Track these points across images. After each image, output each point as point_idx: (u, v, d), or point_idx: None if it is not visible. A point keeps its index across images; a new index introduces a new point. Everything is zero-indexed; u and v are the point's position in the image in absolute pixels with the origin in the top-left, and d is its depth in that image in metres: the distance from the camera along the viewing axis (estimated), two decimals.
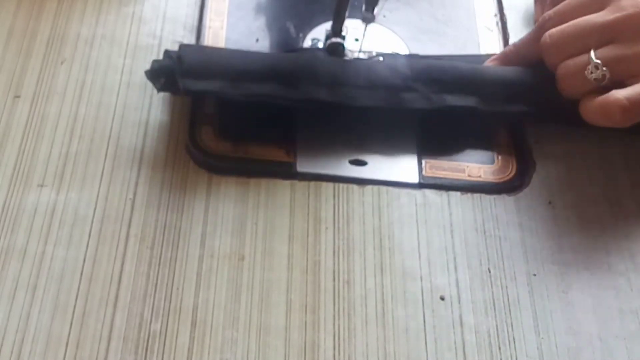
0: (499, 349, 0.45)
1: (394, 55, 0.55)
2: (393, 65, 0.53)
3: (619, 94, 0.47)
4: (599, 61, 0.48)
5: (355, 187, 0.50)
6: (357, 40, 0.56)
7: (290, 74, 0.51)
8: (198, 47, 0.54)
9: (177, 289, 0.45)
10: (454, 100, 0.51)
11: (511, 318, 0.46)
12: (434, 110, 0.51)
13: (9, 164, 0.48)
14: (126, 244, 0.46)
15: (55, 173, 0.48)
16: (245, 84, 0.50)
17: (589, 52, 0.49)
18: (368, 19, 0.54)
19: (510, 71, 0.53)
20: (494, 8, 0.61)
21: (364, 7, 0.54)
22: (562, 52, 0.50)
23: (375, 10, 0.54)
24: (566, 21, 0.51)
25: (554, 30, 0.51)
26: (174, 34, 0.56)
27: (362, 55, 0.55)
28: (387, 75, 0.52)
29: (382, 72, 0.52)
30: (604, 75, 0.48)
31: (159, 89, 0.50)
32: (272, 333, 0.44)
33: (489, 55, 0.56)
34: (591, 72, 0.48)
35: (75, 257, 0.45)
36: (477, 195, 0.51)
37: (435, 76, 0.52)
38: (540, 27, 0.53)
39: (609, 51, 0.48)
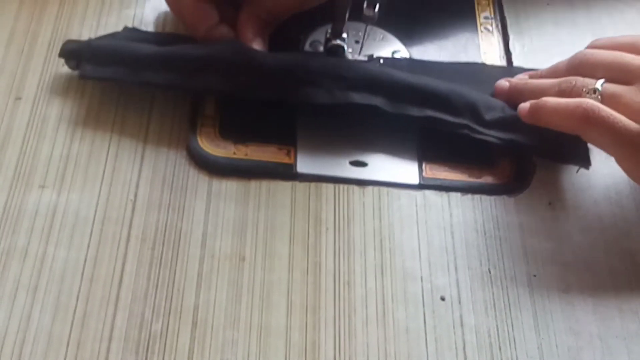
0: (500, 349, 0.45)
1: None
2: (304, 60, 0.52)
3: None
4: (600, 88, 0.48)
5: (355, 188, 0.50)
6: (357, 42, 0.57)
7: (192, 63, 0.50)
8: (124, 32, 0.55)
9: (178, 289, 0.45)
10: (358, 98, 0.51)
11: (511, 318, 0.46)
12: (336, 105, 0.50)
13: (10, 165, 0.48)
14: (127, 245, 0.46)
15: (56, 174, 0.48)
16: (144, 72, 0.50)
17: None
18: (369, 17, 0.54)
19: (431, 80, 0.53)
20: (493, 10, 0.61)
21: (365, 5, 0.54)
22: (582, 71, 0.51)
23: (376, 9, 0.54)
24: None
25: (590, 51, 0.52)
26: None
27: (362, 58, 0.56)
28: (292, 68, 0.51)
29: (288, 64, 0.51)
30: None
31: (73, 69, 0.52)
32: (273, 333, 0.44)
33: (485, 65, 0.57)
34: (587, 92, 0.49)
35: (76, 258, 0.45)
36: (477, 196, 0.51)
37: (344, 73, 0.51)
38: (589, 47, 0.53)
39: (614, 87, 0.48)
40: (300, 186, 0.50)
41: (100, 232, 0.47)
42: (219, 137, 0.51)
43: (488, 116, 0.52)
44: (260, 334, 0.44)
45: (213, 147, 0.51)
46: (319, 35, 0.56)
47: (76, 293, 0.44)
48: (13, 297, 0.44)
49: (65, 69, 0.52)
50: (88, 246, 0.46)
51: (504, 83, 0.54)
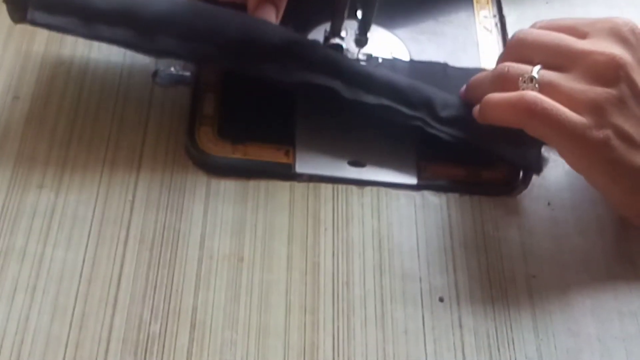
0: (498, 350, 0.45)
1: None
2: (270, 33, 0.50)
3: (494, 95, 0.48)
4: (536, 76, 0.47)
5: (354, 188, 0.50)
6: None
7: (148, 22, 0.48)
8: None
9: (177, 290, 0.45)
10: (315, 78, 0.50)
11: (510, 319, 0.46)
12: (294, 85, 0.50)
13: (8, 165, 0.48)
14: (125, 246, 0.46)
15: (54, 174, 0.48)
16: (98, 25, 0.48)
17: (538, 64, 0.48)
18: (361, 42, 0.54)
19: (392, 73, 0.52)
20: (493, 8, 0.61)
21: (356, 31, 0.54)
22: (518, 51, 0.50)
23: (369, 35, 0.54)
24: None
25: (530, 31, 0.50)
26: None
27: (361, 57, 0.55)
28: (253, 40, 0.49)
29: (250, 36, 0.50)
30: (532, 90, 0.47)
31: (16, 21, 0.49)
32: (272, 334, 0.44)
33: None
34: (524, 82, 0.47)
35: (74, 259, 0.45)
36: (476, 197, 0.51)
37: (304, 53, 0.50)
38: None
39: (549, 74, 0.47)
40: (299, 186, 0.50)
41: (98, 233, 0.46)
42: (217, 136, 0.51)
43: (444, 113, 0.51)
44: (259, 335, 0.44)
45: (211, 147, 0.50)
46: (318, 34, 0.56)
47: (74, 294, 0.44)
48: (11, 298, 0.44)
49: (63, 68, 0.52)
50: (86, 247, 0.46)
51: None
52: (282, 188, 0.50)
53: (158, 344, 0.43)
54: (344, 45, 0.54)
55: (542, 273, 0.48)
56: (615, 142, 0.45)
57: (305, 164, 0.51)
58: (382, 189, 0.50)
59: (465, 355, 0.45)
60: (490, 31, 0.60)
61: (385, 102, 0.50)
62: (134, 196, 0.48)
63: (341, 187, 0.50)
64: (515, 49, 0.50)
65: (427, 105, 0.51)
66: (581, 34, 0.49)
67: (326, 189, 0.50)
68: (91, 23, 0.48)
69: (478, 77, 0.52)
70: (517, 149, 0.51)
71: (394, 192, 0.50)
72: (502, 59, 0.51)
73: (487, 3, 0.62)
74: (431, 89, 0.52)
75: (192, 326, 0.44)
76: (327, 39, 0.54)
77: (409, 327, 0.45)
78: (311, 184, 0.50)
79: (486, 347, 0.45)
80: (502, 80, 0.49)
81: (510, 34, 0.59)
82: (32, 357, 0.42)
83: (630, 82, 0.46)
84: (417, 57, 0.57)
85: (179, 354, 0.43)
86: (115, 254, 0.46)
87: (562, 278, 0.48)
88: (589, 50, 0.47)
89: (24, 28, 0.54)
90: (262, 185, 0.50)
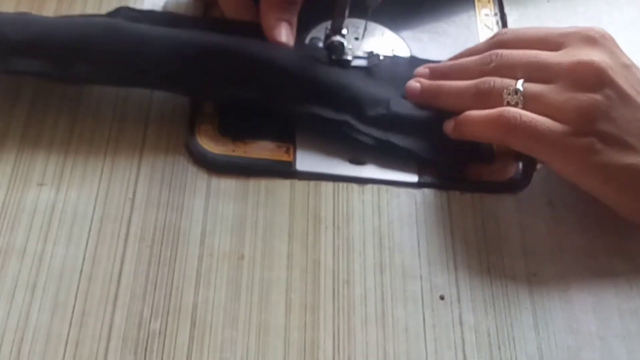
0: (499, 348, 0.45)
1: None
2: (176, 44, 0.50)
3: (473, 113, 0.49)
4: (521, 88, 0.48)
5: (355, 186, 0.50)
6: (357, 39, 0.56)
7: (64, 50, 0.47)
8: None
9: (177, 288, 0.45)
10: (238, 92, 0.50)
11: (511, 317, 0.46)
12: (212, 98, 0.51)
13: (9, 162, 0.48)
14: (126, 243, 0.46)
15: (54, 172, 0.48)
16: (12, 58, 0.46)
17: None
18: (371, 6, 0.53)
19: (322, 70, 0.52)
20: (494, 7, 0.61)
21: None
22: (499, 72, 0.50)
23: (369, 34, 0.54)
24: (519, 47, 0.51)
25: (506, 52, 0.51)
26: None
27: (361, 54, 0.55)
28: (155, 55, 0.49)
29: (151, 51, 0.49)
30: (516, 103, 0.48)
31: None
32: (272, 332, 0.44)
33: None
34: (509, 94, 0.48)
35: (74, 256, 0.45)
36: (477, 195, 0.51)
37: (221, 64, 0.50)
38: (494, 42, 0.53)
39: (534, 86, 0.48)
40: (300, 184, 0.50)
41: (98, 230, 0.46)
42: (217, 134, 0.51)
43: (371, 112, 0.51)
44: (259, 333, 0.44)
45: (212, 145, 0.50)
46: (319, 32, 0.56)
47: (75, 291, 0.44)
48: (11, 295, 0.44)
49: None
50: (86, 244, 0.46)
51: (414, 85, 0.53)
52: (282, 186, 0.50)
53: (158, 342, 0.43)
54: (345, 43, 0.54)
55: (543, 271, 0.48)
56: (599, 145, 0.46)
57: (306, 162, 0.51)
58: (383, 187, 0.50)
59: (465, 354, 0.45)
60: (492, 30, 0.60)
61: (308, 109, 0.50)
62: (134, 193, 0.48)
63: (342, 185, 0.50)
64: (495, 70, 0.50)
65: (355, 104, 0.51)
66: (555, 46, 0.50)
67: (327, 186, 0.50)
68: (4, 56, 0.47)
69: (457, 87, 0.51)
70: (447, 156, 0.51)
71: (394, 189, 0.50)
72: (471, 71, 0.51)
73: (489, 1, 0.62)
74: (363, 85, 0.52)
75: (193, 324, 0.44)
76: (328, 36, 0.54)
77: (410, 325, 0.45)
78: (312, 182, 0.50)
79: (487, 345, 0.45)
80: (486, 94, 0.49)
81: None
82: (32, 355, 0.42)
83: (613, 85, 0.47)
84: (418, 56, 0.57)
85: (179, 352, 0.43)
86: (116, 252, 0.46)
87: (563, 276, 0.48)
88: (569, 61, 0.48)
89: None
90: (263, 183, 0.50)
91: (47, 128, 0.50)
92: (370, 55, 0.55)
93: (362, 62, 0.55)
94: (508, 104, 0.48)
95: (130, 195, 0.48)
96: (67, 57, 0.48)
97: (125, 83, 0.50)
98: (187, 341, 0.43)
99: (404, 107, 0.52)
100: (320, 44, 0.55)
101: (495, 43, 0.53)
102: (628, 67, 0.49)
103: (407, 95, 0.53)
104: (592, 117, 0.46)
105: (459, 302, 0.46)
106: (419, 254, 0.48)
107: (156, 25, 0.50)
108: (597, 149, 0.46)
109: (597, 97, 0.46)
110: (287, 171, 0.50)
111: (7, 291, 0.44)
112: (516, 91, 0.48)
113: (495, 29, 0.60)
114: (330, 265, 0.47)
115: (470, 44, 0.59)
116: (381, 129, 0.51)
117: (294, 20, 0.53)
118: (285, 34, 0.52)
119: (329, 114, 0.50)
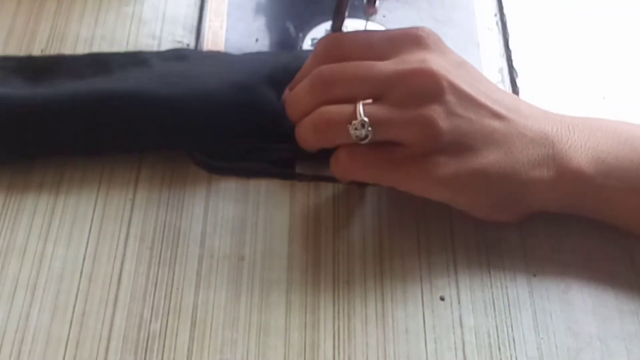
0: (499, 349, 0.45)
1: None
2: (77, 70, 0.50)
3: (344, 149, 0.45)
4: (366, 119, 0.43)
5: (354, 187, 0.50)
6: None
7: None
8: None
9: (177, 288, 0.45)
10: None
11: (511, 318, 0.46)
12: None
13: (9, 162, 0.48)
14: (126, 244, 0.46)
15: (54, 173, 0.48)
16: None
17: (355, 101, 0.44)
18: (370, 12, 0.53)
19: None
20: (493, 8, 0.61)
21: (365, 1, 0.54)
22: (326, 92, 0.45)
23: (377, 4, 0.53)
24: (346, 56, 0.46)
25: (327, 67, 0.46)
26: (174, 35, 0.56)
27: None
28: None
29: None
30: (366, 135, 0.44)
31: None
32: (272, 333, 0.44)
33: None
34: (355, 128, 0.43)
35: (75, 257, 0.45)
36: None
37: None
38: (314, 56, 0.48)
39: (376, 110, 0.44)
40: (300, 186, 0.50)
41: (99, 231, 0.46)
42: None
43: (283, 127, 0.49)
44: (260, 334, 0.44)
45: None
46: (318, 33, 0.56)
47: (75, 292, 0.44)
48: (12, 296, 0.44)
49: None
50: (87, 245, 0.46)
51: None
52: (282, 187, 0.50)
53: (158, 343, 0.43)
54: None
55: (543, 272, 0.48)
56: (444, 159, 0.44)
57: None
58: (383, 188, 0.50)
59: (465, 354, 0.45)
60: (492, 30, 0.60)
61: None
62: (134, 194, 0.48)
63: (342, 187, 0.50)
64: (322, 88, 0.45)
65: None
66: (383, 53, 0.46)
67: (327, 188, 0.50)
68: None
69: (299, 128, 0.47)
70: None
71: (394, 191, 0.50)
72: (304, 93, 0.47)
73: (489, 2, 0.62)
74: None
75: (193, 325, 0.44)
76: None
77: (410, 326, 0.45)
78: (312, 184, 0.50)
79: (487, 347, 0.45)
80: (326, 127, 0.45)
81: (511, 33, 0.59)
82: (32, 356, 0.42)
83: (452, 88, 0.44)
84: None
85: (179, 353, 0.43)
86: (116, 252, 0.46)
87: (563, 277, 0.48)
88: (402, 70, 0.44)
89: (24, 28, 0.54)
90: (263, 184, 0.50)
91: None
92: None
93: None
94: (357, 138, 0.44)
95: (130, 196, 0.48)
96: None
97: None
98: (187, 342, 0.43)
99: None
100: None
101: (317, 56, 0.47)
102: (461, 64, 0.47)
103: None
104: (435, 133, 0.43)
105: (459, 303, 0.46)
106: (419, 255, 0.48)
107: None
108: (442, 163, 0.44)
109: (438, 108, 0.44)
110: (287, 173, 0.50)
111: (7, 292, 0.44)
112: (363, 124, 0.43)
113: (495, 30, 0.60)
114: (330, 266, 0.47)
115: (470, 44, 0.59)
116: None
117: None
118: None
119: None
